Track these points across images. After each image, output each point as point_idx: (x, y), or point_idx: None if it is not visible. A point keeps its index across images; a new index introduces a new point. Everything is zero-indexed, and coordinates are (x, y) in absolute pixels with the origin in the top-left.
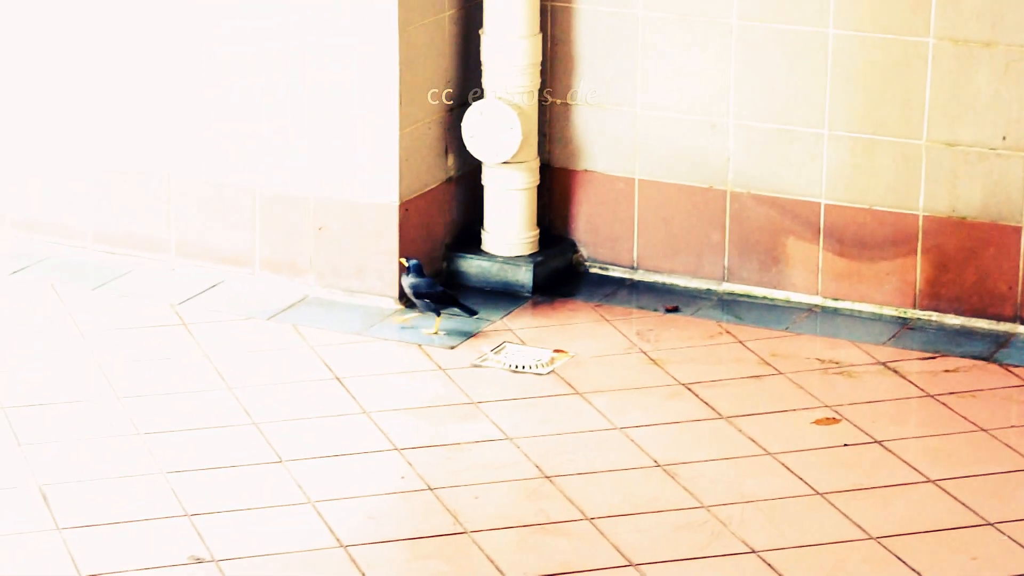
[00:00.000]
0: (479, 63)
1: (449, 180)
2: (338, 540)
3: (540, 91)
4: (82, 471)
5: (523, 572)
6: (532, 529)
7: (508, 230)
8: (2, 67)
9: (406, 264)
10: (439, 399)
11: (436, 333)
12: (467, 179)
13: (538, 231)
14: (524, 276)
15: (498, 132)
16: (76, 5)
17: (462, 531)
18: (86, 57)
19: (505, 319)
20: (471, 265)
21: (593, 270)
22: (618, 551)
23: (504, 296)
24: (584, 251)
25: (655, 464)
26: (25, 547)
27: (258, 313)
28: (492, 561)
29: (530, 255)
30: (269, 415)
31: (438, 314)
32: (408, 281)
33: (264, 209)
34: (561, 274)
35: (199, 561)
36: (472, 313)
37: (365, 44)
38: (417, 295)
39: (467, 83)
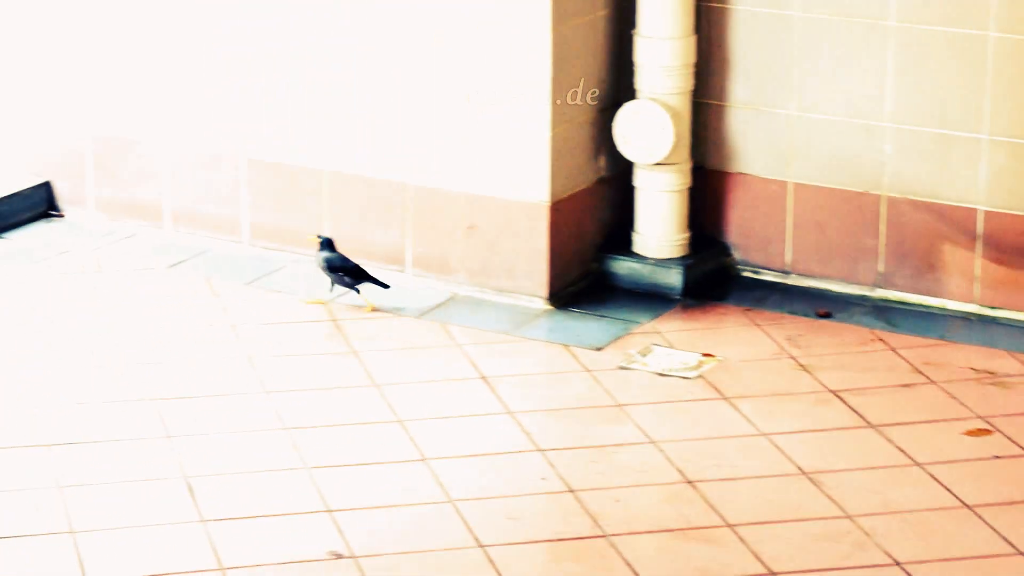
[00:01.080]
0: (632, 64)
1: (600, 180)
2: (476, 540)
3: (694, 93)
4: (227, 464)
5: None
6: (672, 534)
7: (659, 232)
8: (162, 61)
9: (318, 239)
10: (584, 401)
11: (373, 309)
12: (618, 180)
13: (689, 234)
14: (674, 279)
15: (650, 133)
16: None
17: (601, 534)
18: (247, 52)
19: (654, 322)
20: (621, 266)
21: (745, 274)
22: (758, 559)
23: (654, 298)
24: (736, 254)
25: (799, 472)
26: (170, 538)
27: (408, 310)
28: (630, 565)
29: (681, 257)
30: (414, 412)
31: (356, 289)
32: (321, 256)
33: (416, 207)
34: (712, 277)
35: (338, 557)
36: (385, 287)
37: (518, 43)
38: (331, 268)
39: (620, 84)
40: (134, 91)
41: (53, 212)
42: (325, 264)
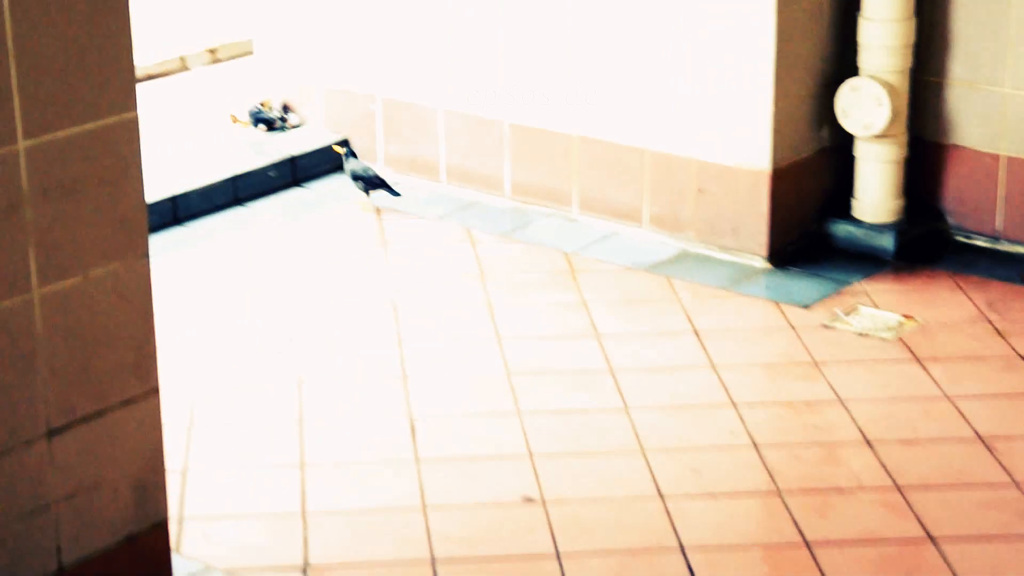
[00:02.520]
0: (855, 43)
1: (822, 150)
2: (658, 490)
3: (913, 70)
4: (449, 406)
5: (823, 535)
6: (841, 494)
7: (875, 198)
8: (442, 33)
9: (342, 150)
10: (783, 357)
11: (365, 210)
12: (839, 150)
13: (905, 200)
14: (887, 242)
15: (869, 108)
16: None
17: (775, 491)
18: (514, 33)
19: (864, 282)
20: (839, 229)
21: (957, 239)
22: (920, 522)
23: (868, 260)
24: (950, 220)
25: (976, 437)
26: (383, 475)
27: (639, 265)
28: (796, 523)
29: (895, 222)
30: (625, 363)
31: (367, 193)
32: (347, 166)
33: (652, 170)
34: (925, 242)
35: (529, 500)
36: (396, 194)
37: (745, 20)
38: (354, 177)
39: (843, 61)
40: (418, 58)
41: None
42: (350, 174)
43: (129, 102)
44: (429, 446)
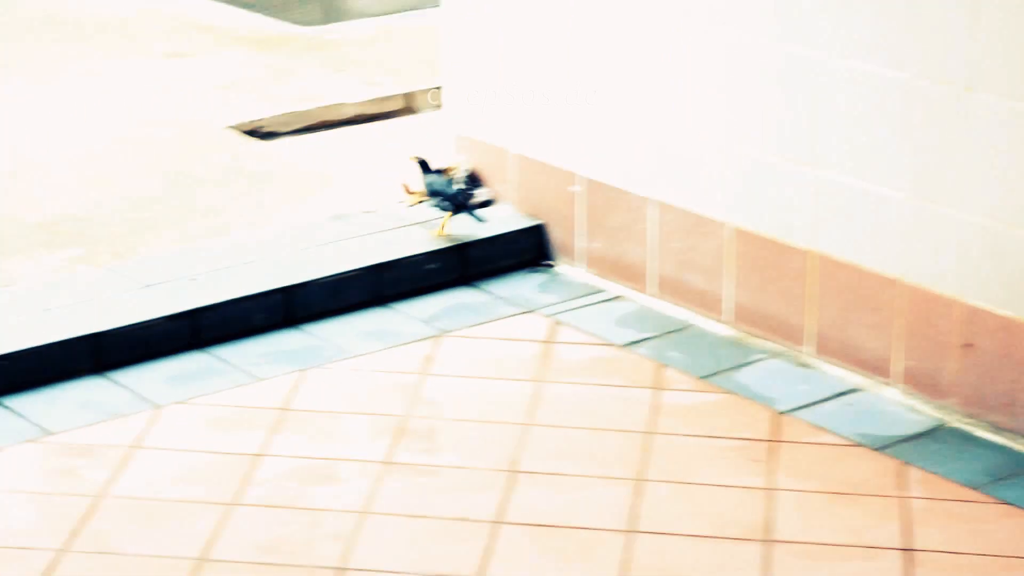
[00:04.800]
0: None
1: None
2: None
3: None
4: None
5: None
6: None
7: None
8: (656, 108)
9: (417, 160)
10: None
11: (440, 234)
12: None
13: None
14: None
15: None
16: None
17: None
18: (741, 117)
19: None
20: None
21: None
22: None
23: None
24: None
25: None
26: None
27: (871, 439)
28: None
29: None
30: None
31: (449, 214)
32: (424, 180)
33: (908, 308)
34: None
35: None
36: (480, 220)
37: None
38: (432, 193)
39: None
40: (630, 133)
41: (544, 262)
42: (427, 188)
43: None
44: None
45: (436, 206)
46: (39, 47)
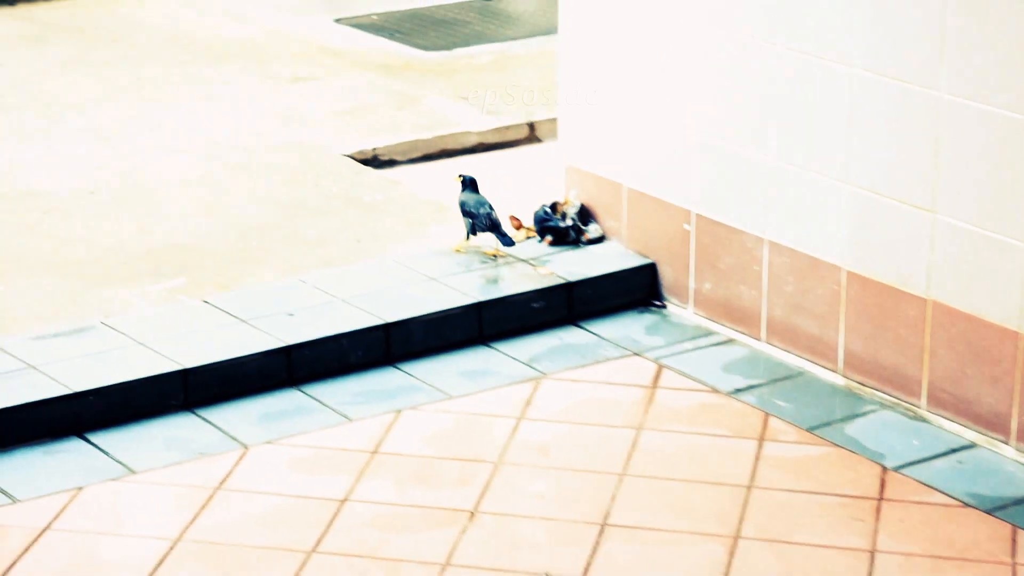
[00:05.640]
0: None
1: None
2: None
3: None
4: None
5: None
6: None
7: None
8: (770, 141)
9: (460, 178)
10: None
11: (458, 250)
12: None
13: None
14: None
15: None
16: None
17: None
18: (856, 159)
19: None
20: None
21: None
22: None
23: None
24: None
25: None
26: None
27: (983, 499)
28: None
29: None
30: None
31: (470, 235)
32: (458, 197)
33: None
34: None
35: None
36: (508, 243)
37: None
38: (463, 212)
39: None
40: (742, 171)
41: (655, 302)
42: (460, 206)
43: None
44: None
45: (465, 223)
46: (164, 69)
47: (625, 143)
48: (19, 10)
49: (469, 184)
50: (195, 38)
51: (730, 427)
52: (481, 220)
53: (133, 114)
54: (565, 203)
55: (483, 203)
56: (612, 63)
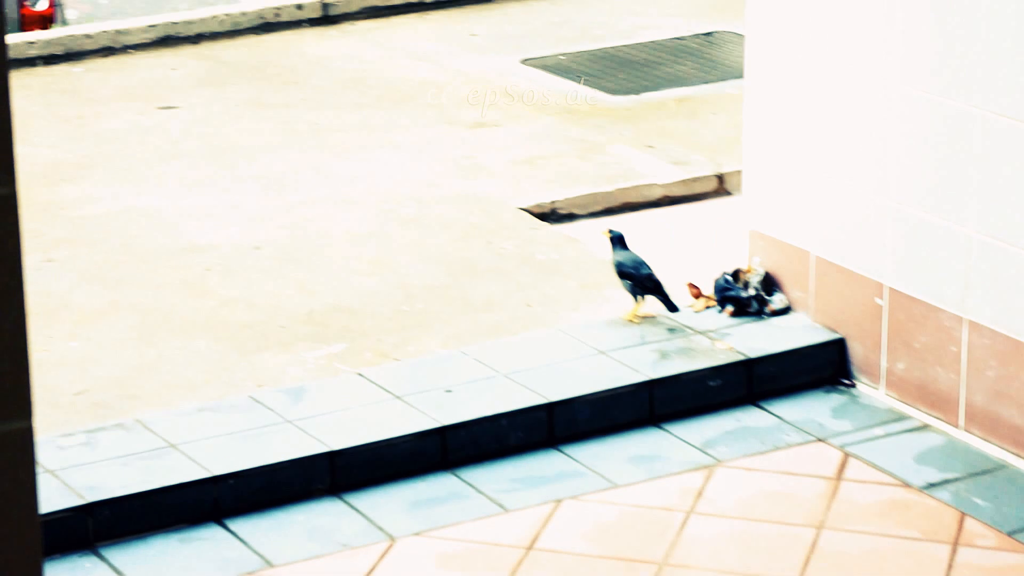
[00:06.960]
0: None
1: None
2: None
3: None
4: None
5: None
6: None
7: None
8: (953, 198)
9: (609, 233)
10: None
11: (631, 319)
12: None
13: None
14: None
15: None
16: None
17: None
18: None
19: None
20: None
21: None
22: None
23: None
24: None
25: None
26: None
27: None
28: None
29: None
30: None
31: (637, 298)
32: (614, 259)
33: None
34: None
35: None
36: (673, 309)
37: None
38: (621, 274)
39: None
40: (941, 244)
41: (844, 381)
42: (616, 268)
43: None
44: None
45: (625, 287)
46: (342, 113)
47: (813, 208)
48: (203, 48)
49: (618, 241)
50: (376, 79)
51: (921, 528)
52: (641, 281)
53: (305, 161)
54: (748, 271)
55: (640, 263)
56: (800, 122)
